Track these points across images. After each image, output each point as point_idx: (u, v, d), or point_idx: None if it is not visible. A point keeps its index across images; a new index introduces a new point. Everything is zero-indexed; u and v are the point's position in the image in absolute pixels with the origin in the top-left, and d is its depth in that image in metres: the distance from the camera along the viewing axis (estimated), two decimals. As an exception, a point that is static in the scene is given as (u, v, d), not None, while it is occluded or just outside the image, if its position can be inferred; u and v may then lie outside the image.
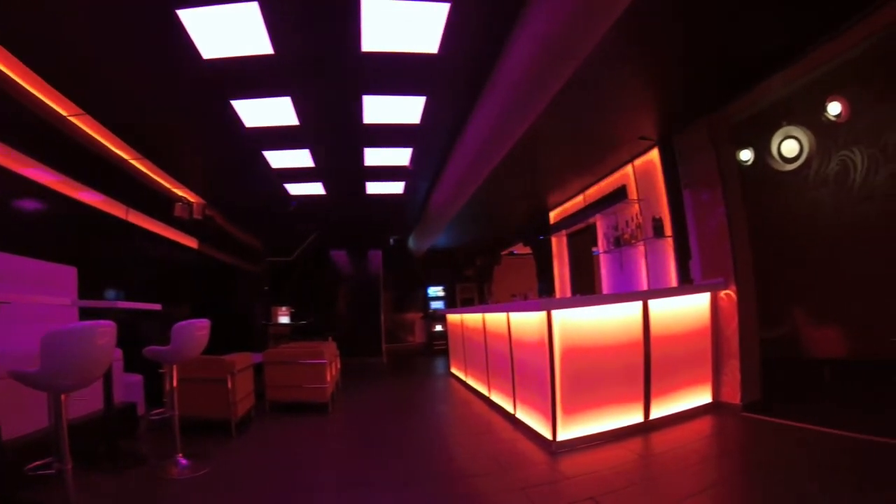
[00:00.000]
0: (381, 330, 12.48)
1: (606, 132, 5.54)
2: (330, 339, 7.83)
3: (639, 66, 4.18)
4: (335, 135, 5.83)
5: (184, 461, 3.63)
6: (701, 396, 4.56)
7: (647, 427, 4.12)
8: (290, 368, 5.67)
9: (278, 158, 6.40)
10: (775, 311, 5.69)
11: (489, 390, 5.91)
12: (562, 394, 3.83)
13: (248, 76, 4.34)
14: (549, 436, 3.85)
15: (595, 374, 3.99)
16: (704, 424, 4.23)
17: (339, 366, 7.09)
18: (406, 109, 5.16)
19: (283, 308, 11.09)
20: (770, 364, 4.89)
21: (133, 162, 6.01)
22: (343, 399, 6.56)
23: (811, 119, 5.23)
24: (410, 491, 3.16)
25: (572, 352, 3.89)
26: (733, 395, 4.49)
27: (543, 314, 3.89)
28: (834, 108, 4.91)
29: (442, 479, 3.38)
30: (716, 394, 4.64)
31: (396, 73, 4.43)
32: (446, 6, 3.58)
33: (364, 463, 3.82)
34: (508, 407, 5.03)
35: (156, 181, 6.76)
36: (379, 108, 5.12)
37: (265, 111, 5.02)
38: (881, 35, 3.61)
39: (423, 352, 13.59)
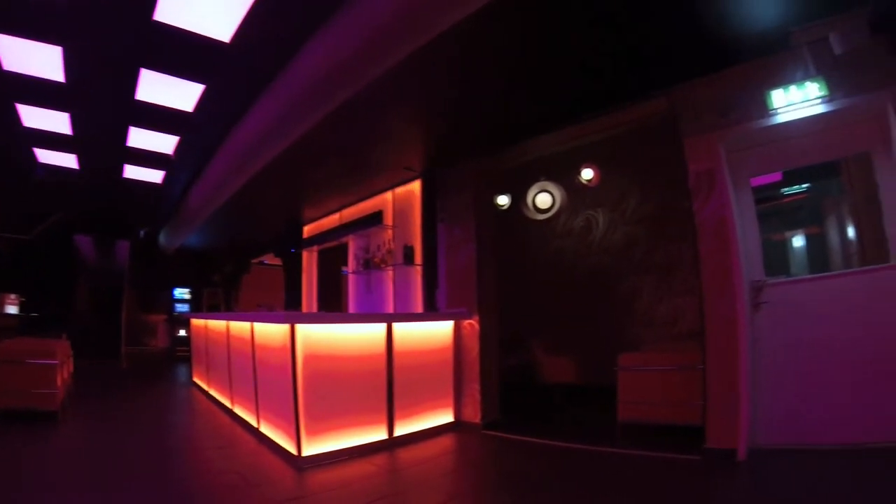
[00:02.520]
0: (122, 331, 10.99)
1: (374, 156, 5.57)
2: (64, 336, 6.65)
3: (415, 106, 4.42)
4: (102, 104, 5.10)
5: None
6: (443, 416, 4.95)
7: (393, 443, 4.33)
8: (15, 368, 4.75)
9: (33, 116, 5.35)
10: (516, 341, 6.52)
11: (232, 403, 5.61)
12: (305, 409, 3.80)
13: (20, 9, 3.55)
14: (294, 451, 3.80)
15: (340, 391, 4.06)
16: (447, 441, 4.61)
17: (71, 368, 6.10)
18: (182, 94, 4.81)
19: (12, 296, 9.26)
20: (510, 388, 5.59)
21: None
22: (75, 407, 5.70)
23: (567, 179, 6.15)
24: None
25: (316, 368, 3.90)
26: (474, 415, 4.96)
27: (287, 327, 3.84)
28: (587, 174, 5.83)
29: (186, 497, 3.14)
30: (458, 413, 5.08)
31: (182, 52, 4.06)
32: (254, -4, 3.40)
33: (99, 482, 3.35)
34: (252, 420, 4.85)
35: None
36: (155, 87, 4.67)
37: (30, 56, 4.19)
38: (635, 124, 4.41)
39: (166, 357, 12.43)
